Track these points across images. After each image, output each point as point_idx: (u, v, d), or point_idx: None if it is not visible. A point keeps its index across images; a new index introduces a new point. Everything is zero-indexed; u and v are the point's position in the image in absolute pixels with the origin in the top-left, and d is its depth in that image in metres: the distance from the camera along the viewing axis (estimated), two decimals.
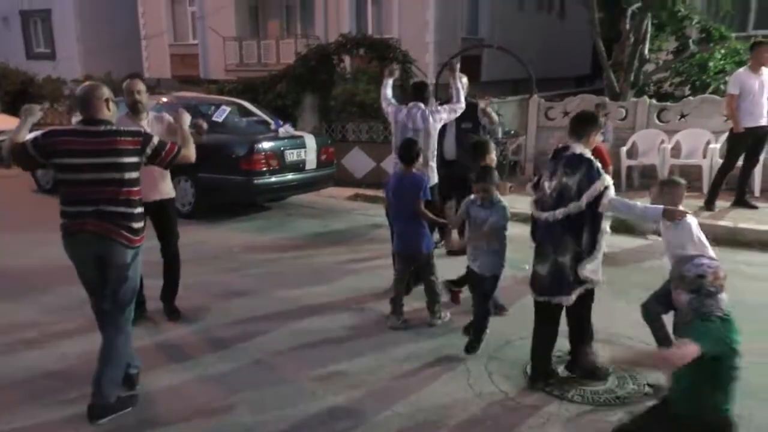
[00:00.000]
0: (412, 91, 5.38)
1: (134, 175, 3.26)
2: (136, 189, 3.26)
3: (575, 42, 21.06)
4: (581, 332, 3.65)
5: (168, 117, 4.59)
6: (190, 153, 3.55)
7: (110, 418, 3.25)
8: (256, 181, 7.55)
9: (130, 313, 3.40)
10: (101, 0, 23.63)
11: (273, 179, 7.74)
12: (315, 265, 6.06)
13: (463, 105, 5.36)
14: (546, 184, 3.49)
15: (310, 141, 8.28)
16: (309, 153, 8.18)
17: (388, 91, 5.46)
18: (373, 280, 5.45)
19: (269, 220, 8.00)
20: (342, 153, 9.98)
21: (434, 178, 5.27)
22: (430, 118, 5.19)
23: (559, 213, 3.38)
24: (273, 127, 8.28)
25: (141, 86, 4.48)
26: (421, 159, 4.63)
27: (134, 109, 4.47)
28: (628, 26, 10.88)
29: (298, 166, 8.06)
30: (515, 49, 11.31)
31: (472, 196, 4.10)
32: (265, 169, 7.60)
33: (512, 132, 10.57)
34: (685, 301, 2.30)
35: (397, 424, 3.26)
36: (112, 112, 3.28)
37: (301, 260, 6.27)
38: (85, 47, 23.49)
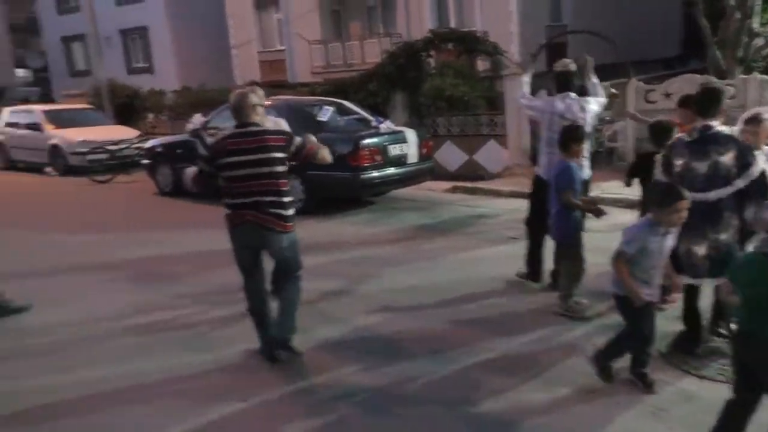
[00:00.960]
0: (558, 81, 5.06)
1: (282, 168, 3.71)
2: (284, 181, 3.70)
3: (661, 23, 20.25)
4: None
5: (274, 119, 5.05)
6: (327, 155, 3.96)
7: (288, 355, 3.86)
8: (362, 176, 7.86)
9: (299, 277, 3.90)
10: (192, 14, 24.97)
11: (378, 174, 8.03)
12: (433, 254, 6.27)
13: (604, 98, 5.21)
14: (695, 165, 3.47)
15: (411, 135, 8.53)
16: (410, 147, 8.43)
17: (526, 88, 5.38)
18: (499, 267, 5.58)
19: (375, 213, 8.30)
20: (434, 147, 10.18)
21: (586, 172, 4.92)
22: (587, 108, 4.93)
23: (721, 192, 3.38)
24: (374, 123, 8.58)
25: (260, 93, 4.94)
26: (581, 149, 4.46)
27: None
28: (733, 1, 10.45)
29: (400, 161, 8.33)
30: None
31: None
32: (370, 164, 7.90)
33: (607, 118, 10.40)
34: None
35: None
36: (260, 116, 3.77)
37: (418, 248, 6.51)
38: (180, 60, 24.89)
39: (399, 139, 8.39)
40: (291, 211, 3.76)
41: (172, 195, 9.93)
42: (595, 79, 5.16)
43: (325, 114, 8.09)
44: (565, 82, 5.00)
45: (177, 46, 25.14)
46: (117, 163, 11.93)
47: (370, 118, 8.77)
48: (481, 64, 13.08)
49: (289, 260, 3.82)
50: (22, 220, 8.71)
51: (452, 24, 16.31)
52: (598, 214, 4.31)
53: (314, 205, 8.11)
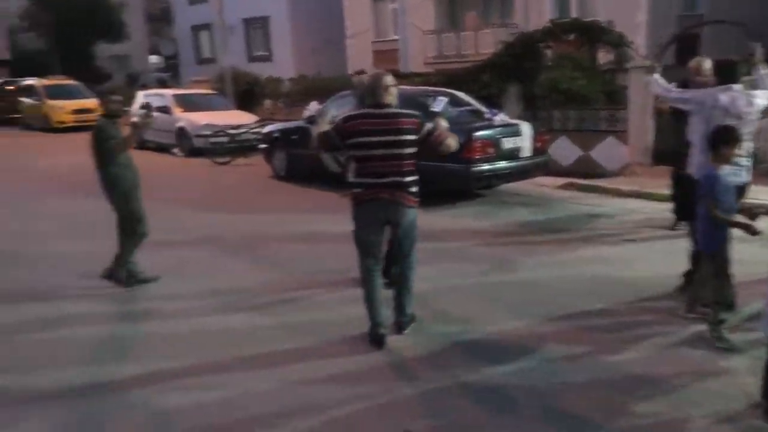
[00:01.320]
0: (718, 72, 4.60)
1: (413, 150, 3.82)
2: (413, 162, 3.85)
3: None
4: None
5: None
6: (453, 143, 4.02)
7: (411, 327, 4.12)
8: (473, 169, 7.73)
9: (416, 257, 4.08)
10: (311, 5, 25.74)
11: (489, 167, 7.87)
12: (543, 252, 6.07)
13: None
14: None
15: (526, 128, 8.27)
16: (524, 140, 8.18)
17: (661, 81, 4.97)
18: (613, 269, 5.33)
19: (484, 207, 8.16)
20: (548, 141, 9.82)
21: (744, 176, 4.46)
22: (755, 102, 4.42)
23: None
24: (487, 115, 8.41)
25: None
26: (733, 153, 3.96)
27: (362, 100, 5.17)
28: None
29: (514, 154, 8.11)
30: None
31: None
32: (482, 156, 7.76)
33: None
34: None
35: None
36: (392, 97, 3.85)
37: (527, 245, 6.33)
38: (297, 49, 25.77)
39: (513, 131, 8.16)
40: (417, 188, 3.90)
41: (286, 179, 10.30)
42: (764, 71, 4.59)
43: (439, 105, 8.01)
44: (727, 72, 4.52)
45: (295, 35, 26.03)
46: (236, 146, 12.54)
47: (484, 109, 8.60)
48: (603, 56, 12.47)
49: (411, 235, 3.97)
50: (149, 196, 9.34)
51: (573, 14, 15.66)
52: (751, 232, 3.76)
53: (421, 195, 8.08)
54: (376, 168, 3.77)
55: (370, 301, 3.99)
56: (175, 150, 14.07)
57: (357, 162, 3.87)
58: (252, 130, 12.87)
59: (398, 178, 3.78)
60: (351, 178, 4.33)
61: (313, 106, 9.71)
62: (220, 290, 5.16)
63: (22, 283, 5.50)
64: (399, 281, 4.09)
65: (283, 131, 10.57)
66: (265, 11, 26.78)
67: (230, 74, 17.76)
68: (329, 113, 4.61)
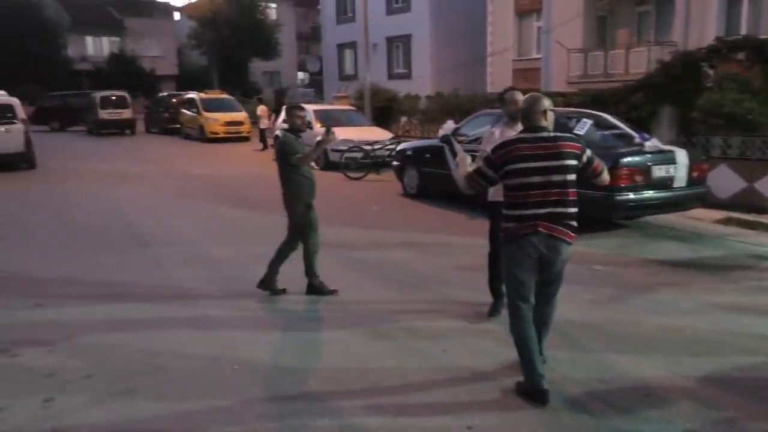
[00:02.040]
0: None
1: (574, 177, 3.47)
2: (574, 190, 3.48)
3: None
4: None
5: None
6: (608, 176, 3.70)
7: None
8: (617, 197, 7.12)
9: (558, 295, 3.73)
10: (453, 23, 25.78)
11: (635, 196, 7.20)
12: (691, 294, 5.40)
13: None
14: None
15: (681, 156, 7.48)
16: (679, 169, 7.40)
17: None
18: None
19: (625, 239, 7.48)
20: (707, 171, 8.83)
21: None
22: None
23: None
24: (637, 140, 7.73)
25: (521, 96, 4.82)
26: None
27: (513, 117, 4.80)
28: None
29: (665, 183, 7.36)
30: None
31: None
32: (628, 184, 7.12)
33: None
34: None
35: None
36: (549, 121, 3.54)
37: (673, 285, 5.65)
38: (436, 66, 25.89)
39: (666, 159, 7.41)
40: (576, 222, 3.54)
41: (415, 197, 10.22)
42: None
43: (583, 127, 7.49)
44: None
45: (435, 52, 26.20)
46: (370, 162, 12.70)
47: (633, 134, 7.92)
48: None
49: (561, 275, 3.64)
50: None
51: (743, 31, 14.17)
52: None
53: None
54: (534, 197, 3.41)
55: (526, 350, 3.52)
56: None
57: (511, 191, 3.50)
58: (386, 147, 12.98)
59: (559, 209, 3.41)
60: (491, 198, 4.31)
61: (449, 125, 9.53)
62: (343, 302, 5.15)
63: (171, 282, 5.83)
64: (538, 321, 3.66)
65: (415, 149, 10.51)
66: (408, 29, 27.26)
67: (369, 90, 18.13)
68: (475, 141, 4.40)
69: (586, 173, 3.54)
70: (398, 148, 11.28)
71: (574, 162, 3.43)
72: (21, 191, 11.53)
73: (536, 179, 3.39)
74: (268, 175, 13.73)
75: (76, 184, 12.17)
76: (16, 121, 14.29)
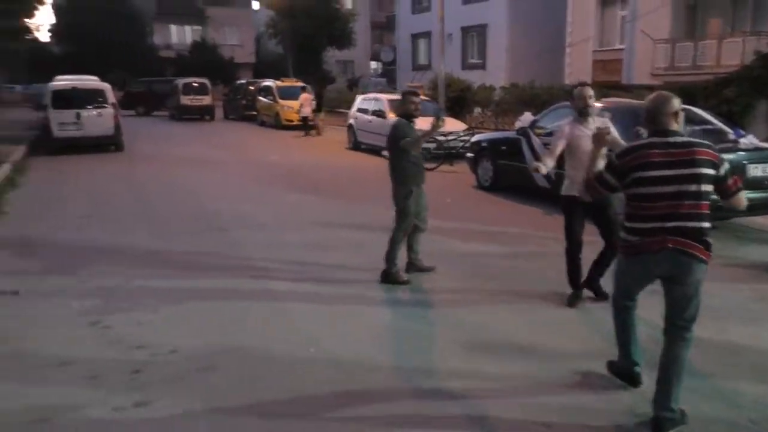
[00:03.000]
0: None
1: (710, 188, 3.12)
2: (707, 203, 3.12)
3: None
4: None
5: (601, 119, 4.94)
6: (744, 198, 3.30)
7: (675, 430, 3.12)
8: None
9: (692, 334, 3.21)
10: (532, 12, 25.12)
11: None
12: None
13: None
14: None
15: None
16: None
17: None
18: None
19: (715, 242, 7.06)
20: None
21: None
22: None
23: None
24: (731, 137, 7.28)
25: (591, 92, 4.89)
26: None
27: (583, 113, 4.85)
28: None
29: (763, 184, 6.90)
30: None
31: None
32: None
33: None
34: None
35: None
36: (679, 125, 3.22)
37: (764, 293, 5.30)
38: (512, 57, 25.35)
39: (763, 157, 6.95)
40: (711, 238, 3.17)
41: (489, 190, 10.06)
42: None
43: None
44: None
45: (511, 42, 25.64)
46: (443, 153, 12.59)
47: (727, 130, 7.47)
48: None
49: (696, 299, 3.17)
50: (359, 194, 9.76)
51: None
52: None
53: None
54: (661, 209, 3.10)
55: (624, 333, 3.54)
56: (386, 152, 14.57)
57: (636, 201, 3.20)
58: (460, 138, 12.82)
59: (691, 223, 3.07)
60: (564, 193, 4.39)
61: (527, 117, 9.34)
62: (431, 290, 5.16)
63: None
64: (665, 362, 3.20)
65: (491, 141, 10.33)
66: (484, 19, 26.80)
67: (443, 81, 17.96)
68: (557, 142, 4.52)
69: (725, 186, 3.15)
70: (473, 139, 11.12)
71: (710, 171, 3.07)
72: (109, 173, 12.15)
73: (666, 189, 3.08)
74: (341, 163, 13.94)
75: (158, 168, 12.70)
76: (106, 106, 15.07)
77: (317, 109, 19.84)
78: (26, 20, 28.73)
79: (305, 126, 19.54)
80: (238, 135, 20.56)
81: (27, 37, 32.06)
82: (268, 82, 24.06)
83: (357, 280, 5.57)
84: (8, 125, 20.08)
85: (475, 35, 27.91)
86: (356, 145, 16.06)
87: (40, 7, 28.52)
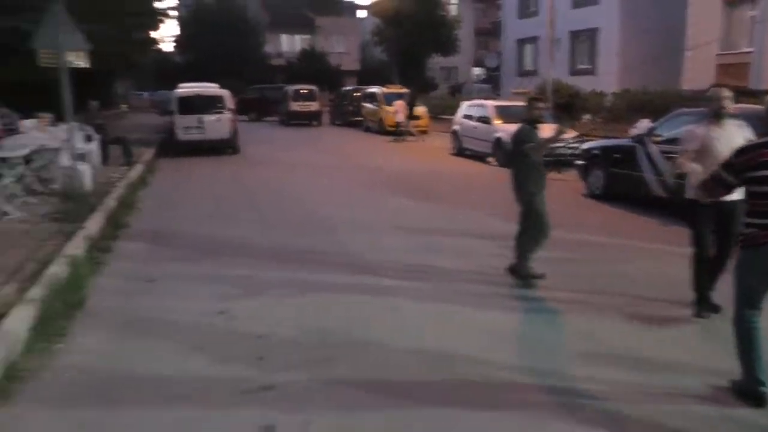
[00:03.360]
0: None
1: None
2: None
3: None
4: None
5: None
6: None
7: None
8: None
9: None
10: (645, 15, 24.01)
11: None
12: None
13: None
14: None
15: None
16: None
17: None
18: None
19: None
20: None
21: None
22: None
23: None
24: None
25: (728, 93, 4.71)
26: None
27: (718, 116, 4.68)
28: None
29: None
30: None
31: None
32: None
33: None
34: None
35: None
36: None
37: None
38: (624, 61, 24.34)
39: None
40: None
41: (599, 198, 9.74)
42: None
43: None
44: None
45: (623, 46, 24.64)
46: (552, 160, 12.28)
47: None
48: None
49: None
50: (462, 201, 9.78)
51: None
52: None
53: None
54: None
55: (748, 350, 3.44)
56: (490, 159, 14.47)
57: (755, 199, 3.37)
58: (569, 145, 12.49)
59: None
60: (689, 197, 4.13)
61: (643, 124, 8.95)
62: (542, 297, 5.16)
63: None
64: None
65: (603, 148, 10.00)
66: (595, 23, 25.93)
67: (551, 86, 17.57)
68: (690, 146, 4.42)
69: None
70: (584, 146, 10.81)
71: None
72: (226, 174, 12.94)
73: None
74: (445, 169, 14.00)
75: (270, 170, 13.36)
76: (225, 111, 16.05)
77: (411, 116, 20.34)
78: (152, 33, 31.17)
79: (397, 132, 20.10)
80: (343, 140, 21.16)
81: (153, 48, 34.74)
82: (374, 89, 24.59)
83: (464, 282, 5.61)
84: (138, 129, 21.85)
85: (585, 40, 27.05)
86: (460, 151, 16.07)
87: (165, 21, 30.88)
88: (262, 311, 4.89)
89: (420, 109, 22.79)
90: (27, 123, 11.08)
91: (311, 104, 27.06)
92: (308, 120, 27.07)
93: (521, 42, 31.22)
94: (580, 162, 10.56)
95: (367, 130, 23.75)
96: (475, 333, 4.48)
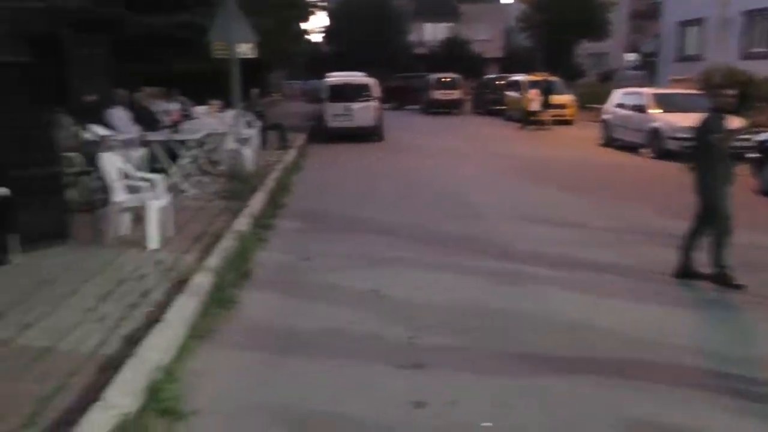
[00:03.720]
0: None
1: None
2: None
3: None
4: None
5: None
6: None
7: None
8: None
9: None
10: None
11: None
12: None
13: None
14: None
15: None
16: None
17: None
18: None
19: None
20: None
21: None
22: None
23: None
24: None
25: None
26: None
27: None
28: None
29: None
30: None
31: None
32: None
33: None
34: None
35: None
36: None
37: None
38: None
39: None
40: None
41: None
42: None
43: None
44: None
45: None
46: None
47: None
48: None
49: None
50: (609, 193, 9.30)
51: None
52: None
53: None
54: None
55: None
56: (644, 150, 13.59)
57: None
58: (741, 137, 11.37)
59: None
60: None
61: None
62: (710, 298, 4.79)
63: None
64: None
65: None
66: None
67: (720, 72, 16.06)
68: None
69: None
70: (760, 138, 9.80)
71: None
72: (372, 160, 13.35)
73: None
74: (593, 159, 13.35)
75: (413, 156, 13.57)
76: (371, 99, 16.53)
77: (546, 104, 20.03)
78: (303, 25, 32.76)
79: (526, 120, 19.82)
80: (483, 128, 20.93)
81: (304, 39, 36.52)
82: (518, 77, 23.99)
83: (619, 275, 5.38)
84: (290, 116, 23.18)
85: (763, 21, 24.29)
86: (609, 142, 15.24)
87: (316, 12, 32.31)
88: (413, 292, 5.03)
89: (566, 98, 21.89)
90: (199, 109, 12.21)
91: (453, 92, 27.05)
92: (449, 108, 27.08)
93: (683, 24, 28.70)
94: (753, 155, 9.59)
95: (510, 119, 23.28)
96: (638, 323, 4.33)
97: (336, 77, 17.69)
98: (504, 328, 4.33)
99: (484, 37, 45.13)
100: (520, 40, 41.14)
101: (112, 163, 5.97)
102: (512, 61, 41.20)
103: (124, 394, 3.09)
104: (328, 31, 45.08)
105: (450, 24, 45.50)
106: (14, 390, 3.15)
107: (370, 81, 17.21)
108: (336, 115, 16.36)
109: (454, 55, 40.26)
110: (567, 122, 21.13)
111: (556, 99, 21.56)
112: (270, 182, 9.50)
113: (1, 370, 3.37)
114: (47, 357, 3.52)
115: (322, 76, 18.35)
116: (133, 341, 3.70)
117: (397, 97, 30.79)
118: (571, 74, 32.15)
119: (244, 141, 10.23)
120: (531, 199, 9.01)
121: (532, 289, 5.11)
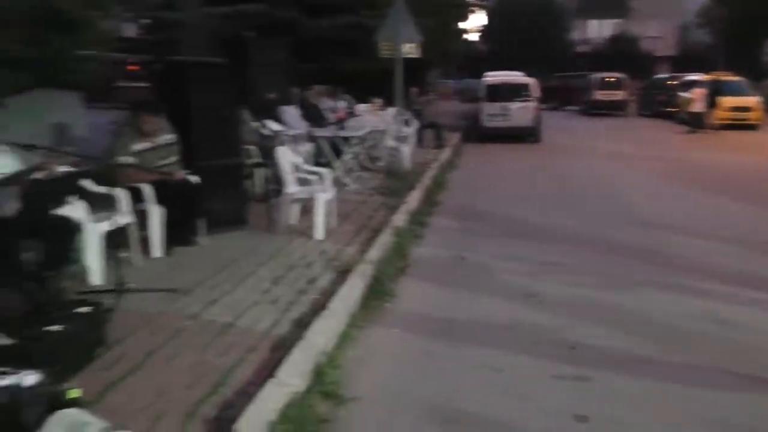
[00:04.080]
0: None
1: None
2: None
3: None
4: None
5: None
6: None
7: None
8: None
9: None
10: None
11: None
12: None
13: None
14: None
15: None
16: None
17: None
18: None
19: None
20: None
21: None
22: None
23: None
24: None
25: None
26: None
27: None
28: None
29: None
30: None
31: None
32: None
33: None
34: None
35: None
36: None
37: None
38: None
39: None
40: None
41: None
42: None
43: None
44: None
45: None
46: None
47: None
48: None
49: None
50: None
51: None
52: None
53: None
54: None
55: None
56: None
57: None
58: None
59: None
60: None
61: None
62: None
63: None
64: None
65: None
66: None
67: None
68: None
69: None
70: None
71: None
72: (529, 161, 13.05)
73: None
74: None
75: (573, 159, 13.04)
76: (530, 99, 16.13)
77: (712, 106, 18.61)
78: (461, 24, 32.70)
79: (691, 122, 18.57)
80: (650, 132, 19.58)
81: (462, 39, 36.45)
82: (694, 77, 22.03)
83: None
84: (445, 115, 23.33)
85: None
86: None
87: (476, 11, 32.18)
88: (573, 300, 4.83)
89: (751, 100, 19.76)
90: (361, 107, 12.71)
91: (617, 93, 25.58)
92: (612, 109, 25.61)
93: None
94: None
95: (682, 122, 21.45)
96: None
97: (494, 76, 17.51)
98: (677, 351, 3.98)
99: (655, 34, 42.00)
100: (697, 36, 37.77)
101: (286, 156, 6.42)
102: (686, 60, 37.94)
103: (293, 374, 3.30)
104: (486, 30, 44.65)
105: (618, 20, 42.94)
106: (202, 360, 3.49)
107: (529, 80, 16.82)
108: (492, 114, 16.18)
109: (621, 54, 37.93)
110: (752, 126, 19.05)
111: (739, 101, 19.58)
112: (426, 180, 9.65)
113: (191, 342, 3.75)
114: (229, 332, 3.87)
115: (475, 75, 18.28)
116: (301, 325, 3.94)
117: (556, 97, 29.74)
118: (757, 74, 28.89)
119: (402, 139, 10.49)
120: (706, 210, 8.24)
121: (720, 309, 4.65)
